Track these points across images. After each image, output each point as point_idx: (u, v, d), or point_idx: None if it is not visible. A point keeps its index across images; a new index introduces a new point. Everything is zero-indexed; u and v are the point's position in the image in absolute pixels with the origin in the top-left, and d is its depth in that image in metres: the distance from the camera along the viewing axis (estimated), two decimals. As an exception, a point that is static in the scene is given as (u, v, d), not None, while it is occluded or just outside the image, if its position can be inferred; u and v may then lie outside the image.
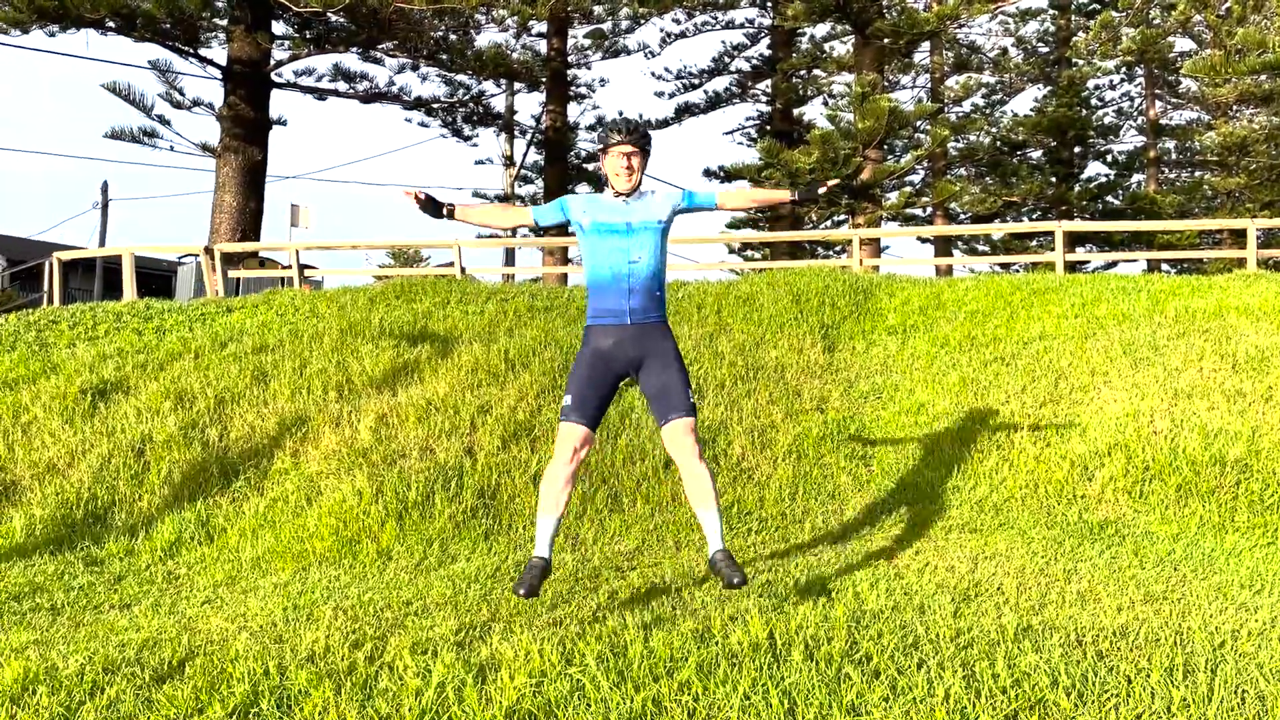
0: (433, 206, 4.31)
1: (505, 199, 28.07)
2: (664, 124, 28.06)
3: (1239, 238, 21.96)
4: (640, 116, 27.77)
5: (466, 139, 25.56)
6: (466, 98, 24.62)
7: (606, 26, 26.12)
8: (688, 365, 8.31)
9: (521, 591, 3.92)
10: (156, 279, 24.54)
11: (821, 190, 4.38)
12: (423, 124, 25.09)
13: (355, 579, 5.16)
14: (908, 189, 24.24)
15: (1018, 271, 19.70)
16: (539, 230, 4.60)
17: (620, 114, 27.58)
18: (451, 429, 7.12)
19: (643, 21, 25.99)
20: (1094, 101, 30.37)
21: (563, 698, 3.06)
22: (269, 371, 8.44)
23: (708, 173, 27.10)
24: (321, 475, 6.75)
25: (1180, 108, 31.25)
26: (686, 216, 4.53)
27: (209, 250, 15.94)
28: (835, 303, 10.36)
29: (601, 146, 4.26)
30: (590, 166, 26.44)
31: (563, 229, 4.54)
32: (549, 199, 26.04)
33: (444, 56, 22.36)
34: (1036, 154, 29.61)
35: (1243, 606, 4.16)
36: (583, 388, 4.15)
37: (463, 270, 15.63)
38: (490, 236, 22.97)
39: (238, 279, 17.65)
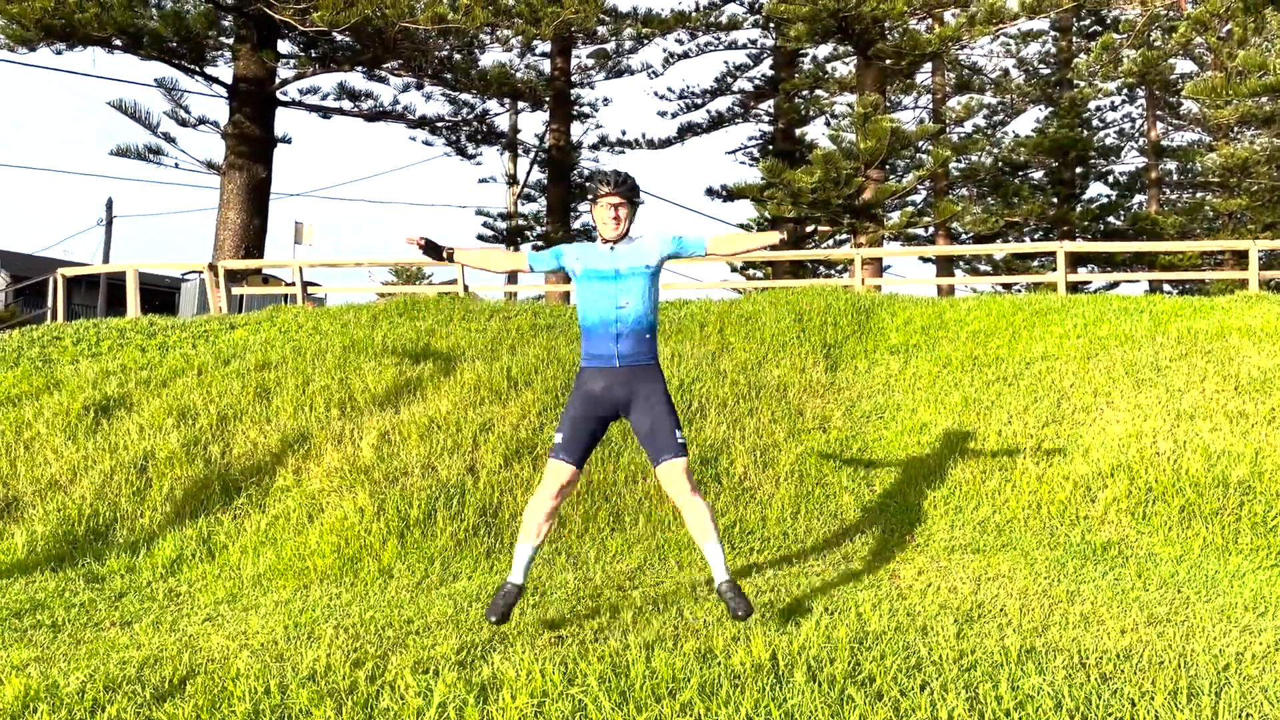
0: (433, 250, 4.54)
1: (508, 216, 28.16)
2: (667, 143, 28.17)
3: (1241, 259, 21.97)
4: (643, 135, 27.93)
5: (470, 157, 25.66)
6: (470, 116, 24.74)
7: (610, 47, 26.29)
8: (690, 384, 8.32)
9: (493, 618, 4.04)
10: (160, 295, 24.60)
11: (809, 228, 4.50)
12: (427, 142, 25.21)
13: (357, 597, 5.16)
14: (910, 209, 24.30)
15: (1020, 291, 19.71)
16: (535, 273, 4.72)
17: (619, 147, 27.71)
18: (454, 446, 7.12)
19: (646, 42, 26.15)
20: (1095, 123, 30.46)
21: (564, 718, 3.05)
22: (271, 388, 8.45)
23: (710, 192, 27.18)
24: (323, 493, 6.74)
25: (1181, 129, 31.31)
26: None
27: (213, 267, 15.99)
28: (837, 322, 10.37)
29: (591, 197, 4.42)
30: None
31: (559, 274, 4.63)
32: (551, 217, 26.15)
33: (448, 76, 22.47)
34: (1038, 174, 29.67)
35: (1246, 629, 4.14)
36: (573, 428, 4.31)
37: (466, 288, 15.66)
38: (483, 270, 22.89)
39: (241, 296, 17.69)
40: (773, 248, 4.78)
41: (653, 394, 4.31)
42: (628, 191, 4.35)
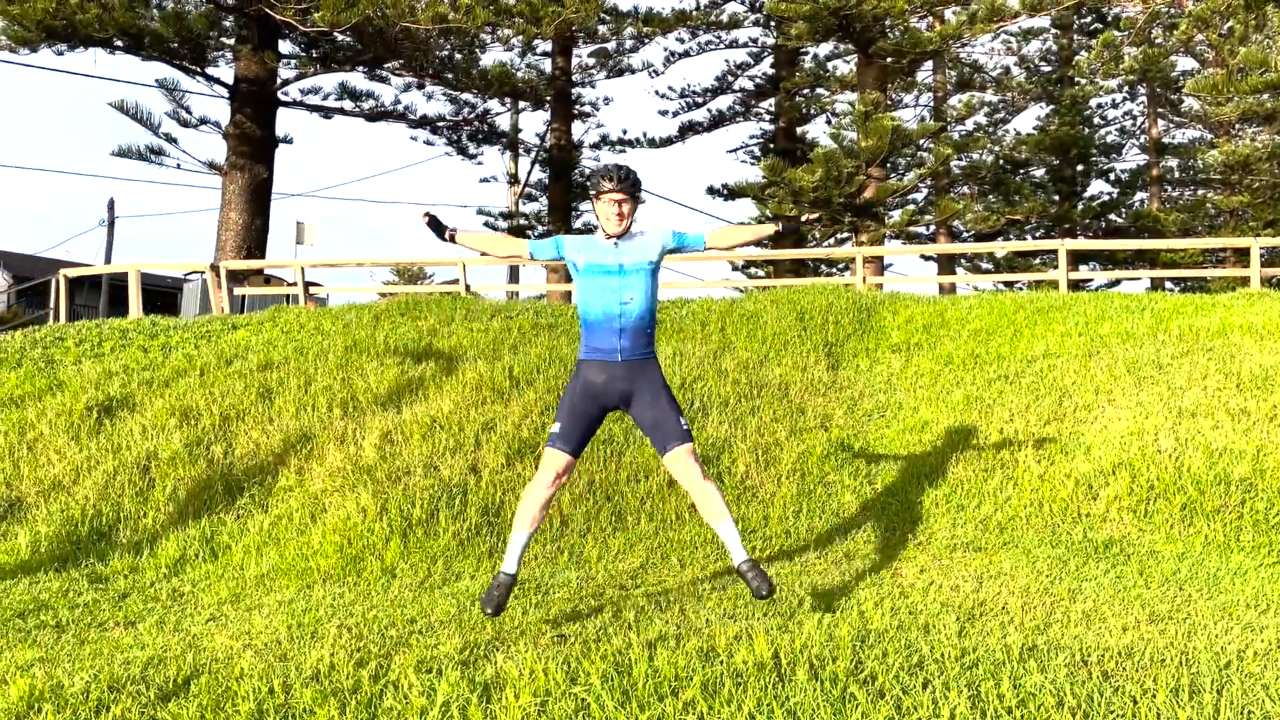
0: (437, 227, 4.56)
1: (509, 216, 28.17)
2: (668, 142, 28.15)
3: (1242, 256, 21.96)
4: (644, 134, 27.92)
5: (471, 157, 25.65)
6: (471, 116, 24.74)
7: (611, 46, 26.28)
8: (691, 383, 8.33)
9: (489, 610, 4.08)
10: (162, 296, 24.60)
11: (803, 219, 4.58)
12: (428, 142, 25.20)
13: (360, 597, 5.17)
14: (911, 207, 24.30)
15: (1021, 289, 19.71)
16: (534, 262, 4.74)
17: (620, 146, 27.72)
18: (456, 446, 7.13)
19: (647, 41, 26.14)
20: (1096, 120, 30.41)
21: (567, 717, 3.06)
22: (274, 389, 8.46)
23: (711, 190, 27.18)
24: (326, 492, 6.76)
25: (1183, 126, 31.28)
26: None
27: (215, 267, 16.01)
28: (839, 320, 10.37)
29: (593, 193, 4.41)
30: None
31: (560, 272, 4.65)
32: (553, 216, 26.13)
33: (449, 75, 22.48)
34: (1039, 172, 29.65)
35: (1248, 626, 4.15)
36: (571, 418, 4.34)
37: (467, 288, 15.67)
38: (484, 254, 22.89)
39: (243, 296, 17.71)
40: (770, 239, 4.89)
41: (654, 386, 4.37)
42: (630, 187, 4.36)
